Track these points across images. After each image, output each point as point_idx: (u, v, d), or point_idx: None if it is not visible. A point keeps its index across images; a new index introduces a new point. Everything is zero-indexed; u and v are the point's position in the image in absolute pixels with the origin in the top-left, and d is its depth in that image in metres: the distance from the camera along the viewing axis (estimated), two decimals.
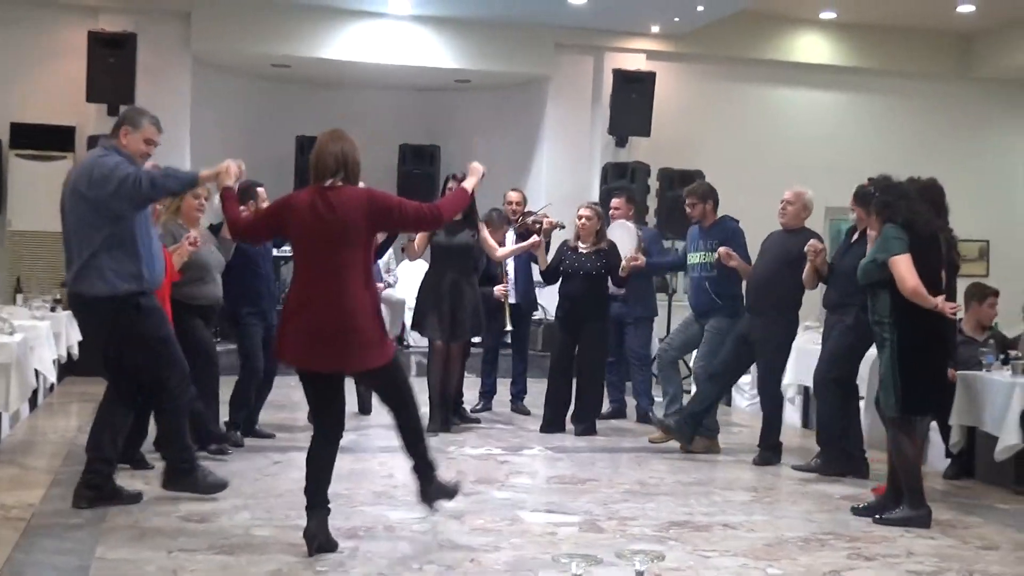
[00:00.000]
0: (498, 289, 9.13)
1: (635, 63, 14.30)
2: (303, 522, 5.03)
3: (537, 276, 9.43)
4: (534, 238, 8.83)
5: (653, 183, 13.84)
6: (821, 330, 8.13)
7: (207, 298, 7.14)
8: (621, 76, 13.99)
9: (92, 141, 12.38)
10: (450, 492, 5.47)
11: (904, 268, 5.95)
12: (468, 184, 5.48)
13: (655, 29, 14.27)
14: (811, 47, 15.13)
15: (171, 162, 6.73)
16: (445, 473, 6.54)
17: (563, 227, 9.29)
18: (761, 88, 15.22)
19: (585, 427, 8.74)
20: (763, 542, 5.57)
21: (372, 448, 7.86)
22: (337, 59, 13.79)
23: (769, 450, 7.87)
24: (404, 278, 11.59)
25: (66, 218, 5.75)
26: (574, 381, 8.88)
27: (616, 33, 14.35)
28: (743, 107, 15.08)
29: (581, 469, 7.43)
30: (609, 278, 8.74)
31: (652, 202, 13.75)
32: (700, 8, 13.09)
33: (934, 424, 7.49)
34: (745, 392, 10.47)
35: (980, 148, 15.31)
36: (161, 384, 5.85)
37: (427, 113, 15.03)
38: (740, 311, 8.13)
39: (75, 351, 10.22)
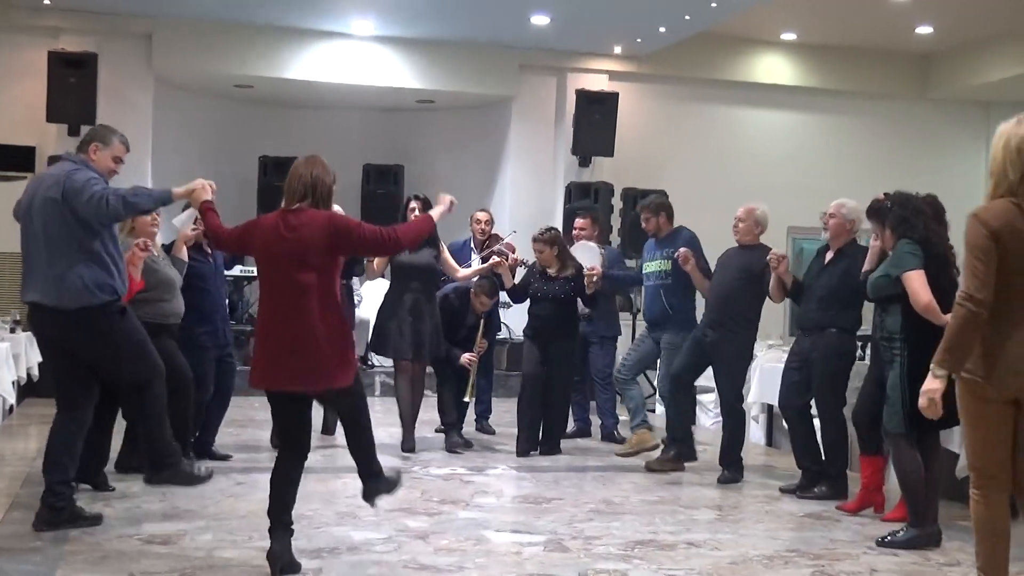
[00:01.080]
0: (464, 358, 8.84)
1: (598, 83, 14.38)
2: (266, 543, 4.99)
3: (503, 296, 9.41)
4: (494, 259, 8.82)
5: (617, 203, 13.89)
6: (786, 349, 8.16)
7: (176, 315, 7.13)
8: (584, 96, 14.06)
9: (52, 161, 12.30)
10: (392, 483, 5.45)
11: (918, 284, 5.89)
12: (435, 213, 5.48)
13: (618, 50, 14.36)
14: (772, 68, 15.28)
15: (132, 183, 6.67)
16: (410, 493, 6.53)
17: (526, 264, 9.18)
18: (723, 108, 15.34)
19: (550, 446, 8.73)
20: (728, 560, 5.57)
21: (336, 468, 7.82)
22: (300, 79, 13.79)
23: (732, 467, 7.89)
24: (368, 298, 11.56)
25: (32, 229, 5.65)
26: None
27: (579, 54, 14.43)
28: (705, 127, 15.19)
29: (546, 488, 7.41)
30: (579, 300, 8.75)
31: (616, 222, 13.80)
32: (662, 29, 13.18)
33: None
34: (710, 411, 10.49)
35: (939, 167, 15.48)
36: (146, 386, 5.79)
37: (391, 133, 15.04)
38: (692, 325, 8.22)
39: (35, 372, 10.12)
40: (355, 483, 7.07)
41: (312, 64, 13.73)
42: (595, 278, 8.59)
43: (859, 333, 7.38)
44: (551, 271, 8.74)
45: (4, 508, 6.22)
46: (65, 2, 12.64)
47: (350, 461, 7.39)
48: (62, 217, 5.54)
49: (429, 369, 8.91)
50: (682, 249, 8.11)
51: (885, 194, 6.53)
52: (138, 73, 13.28)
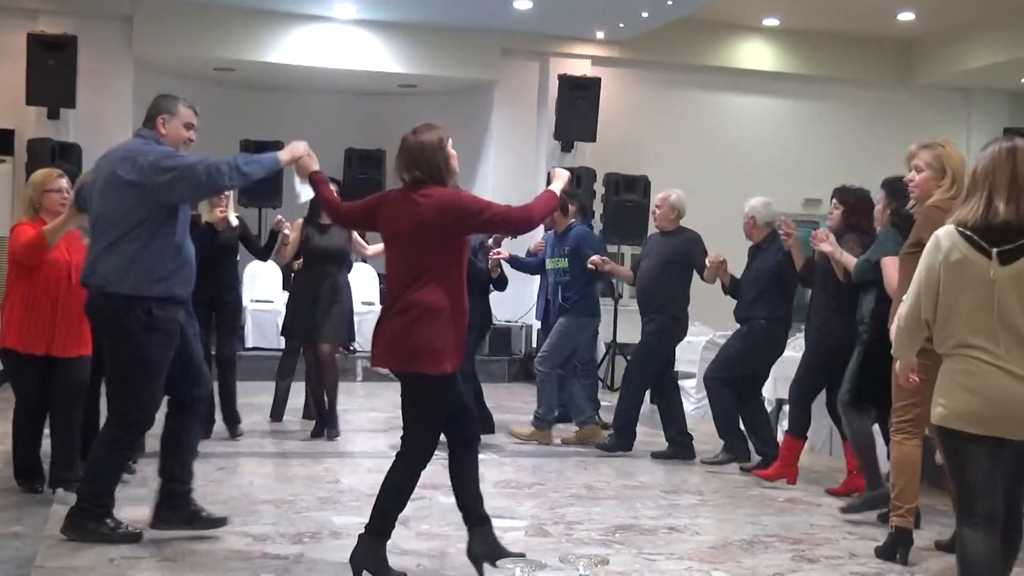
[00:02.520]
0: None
1: (581, 68, 14.36)
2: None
3: None
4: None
5: (599, 188, 13.89)
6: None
7: None
8: (567, 81, 14.04)
9: (32, 144, 12.25)
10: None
11: (892, 269, 5.92)
12: (555, 187, 5.14)
13: (600, 35, 14.33)
14: (755, 53, 15.28)
15: None
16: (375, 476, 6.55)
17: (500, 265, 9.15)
18: (705, 94, 15.34)
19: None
20: (708, 545, 5.59)
21: (317, 453, 7.82)
22: (282, 63, 13.73)
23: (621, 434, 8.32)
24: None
25: (95, 210, 5.24)
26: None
27: (562, 39, 14.40)
28: (688, 112, 15.20)
29: (528, 474, 7.43)
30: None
31: (598, 207, 13.80)
32: (645, 14, 13.17)
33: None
34: (691, 396, 10.51)
35: None
36: (124, 415, 5.22)
37: (373, 118, 14.99)
38: (591, 309, 8.65)
39: None
40: (338, 467, 7.12)
41: (294, 48, 13.67)
42: (498, 255, 8.51)
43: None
44: None
45: None
46: None
47: (331, 447, 7.39)
48: (129, 193, 5.09)
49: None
50: (595, 258, 8.30)
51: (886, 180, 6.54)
52: (118, 56, 13.20)
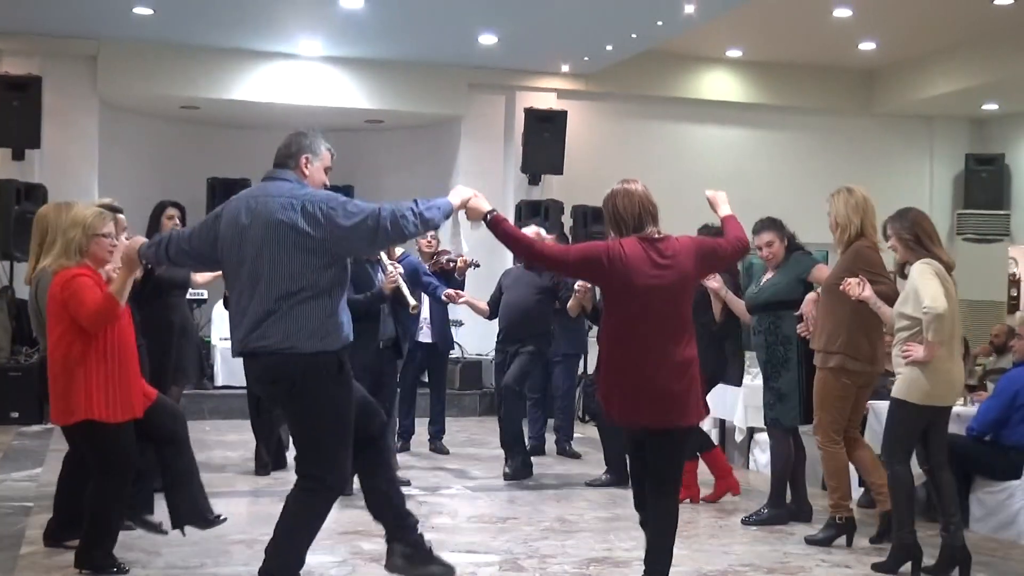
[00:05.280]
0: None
1: (546, 102, 14.43)
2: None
3: (453, 315, 9.41)
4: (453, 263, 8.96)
5: (567, 220, 13.93)
6: None
7: None
8: (533, 115, 14.10)
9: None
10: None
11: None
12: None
13: (565, 68, 14.41)
14: (718, 84, 15.40)
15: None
16: (363, 515, 6.53)
17: (478, 265, 9.27)
18: (671, 125, 15.44)
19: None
20: None
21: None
22: (248, 100, 13.71)
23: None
24: None
25: (246, 263, 4.66)
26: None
27: (527, 72, 14.47)
28: (654, 144, 15.27)
29: (501, 507, 7.41)
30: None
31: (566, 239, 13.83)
32: (609, 47, 13.25)
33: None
34: None
35: (883, 180, 15.58)
36: (320, 479, 4.74)
37: (340, 153, 14.49)
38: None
39: None
40: None
41: (260, 85, 13.66)
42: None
43: None
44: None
45: None
46: (7, 24, 12.49)
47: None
48: (309, 247, 4.60)
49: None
50: (447, 292, 8.54)
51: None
52: (83, 95, 13.14)
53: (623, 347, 4.79)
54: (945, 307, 5.57)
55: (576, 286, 8.32)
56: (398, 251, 8.41)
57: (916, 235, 5.85)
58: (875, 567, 5.80)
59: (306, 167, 4.87)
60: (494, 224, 4.87)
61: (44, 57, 12.86)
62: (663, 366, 4.74)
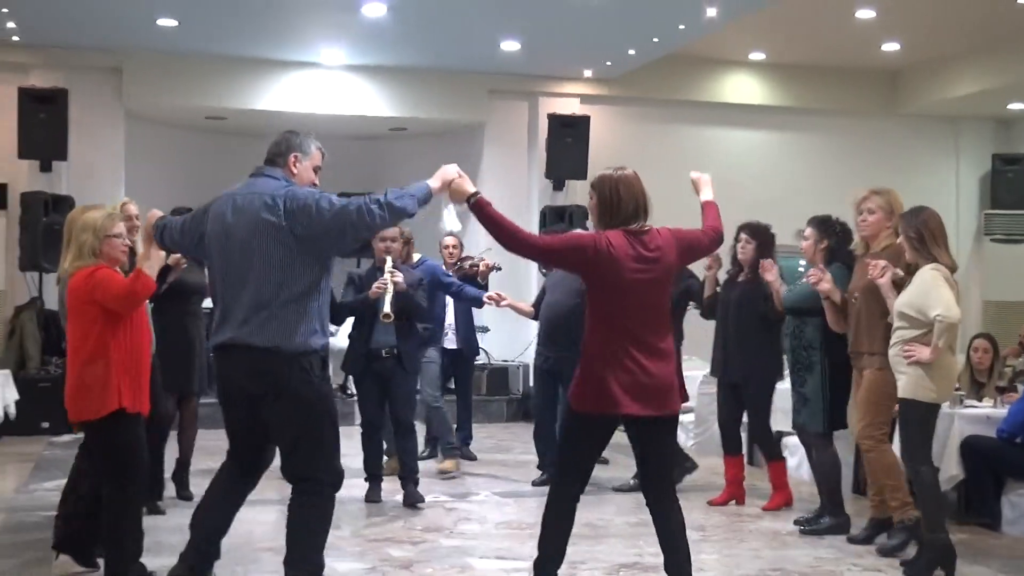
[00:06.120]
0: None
1: (569, 107, 14.43)
2: None
3: (479, 321, 9.41)
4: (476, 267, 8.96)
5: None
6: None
7: None
8: (556, 120, 14.11)
9: (25, 197, 12.27)
10: None
11: None
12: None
13: (588, 73, 14.41)
14: (742, 88, 15.36)
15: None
16: (392, 522, 6.53)
17: (499, 268, 9.28)
18: (694, 128, 15.40)
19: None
20: None
21: None
22: (272, 110, 13.77)
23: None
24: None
25: (232, 261, 4.71)
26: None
27: (550, 78, 14.49)
28: (677, 147, 15.23)
29: (529, 514, 7.40)
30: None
31: None
32: (631, 52, 13.25)
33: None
34: (690, 431, 10.50)
35: (909, 182, 15.51)
36: (321, 480, 4.76)
37: (364, 161, 15.03)
38: None
39: (11, 411, 10.03)
40: (337, 511, 7.09)
41: (283, 94, 13.73)
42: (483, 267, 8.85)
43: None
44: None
45: None
46: (34, 38, 12.59)
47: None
48: (289, 242, 4.62)
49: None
50: (489, 295, 8.57)
51: (837, 218, 7.14)
52: (109, 107, 13.23)
53: (610, 338, 4.74)
54: (959, 317, 5.61)
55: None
56: (415, 256, 8.46)
57: (920, 234, 5.84)
58: (906, 571, 5.76)
59: (295, 165, 4.92)
60: (477, 207, 4.83)
61: (70, 70, 12.95)
62: (652, 356, 4.74)
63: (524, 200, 14.37)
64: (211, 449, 6.96)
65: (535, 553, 5.07)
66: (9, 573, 5.67)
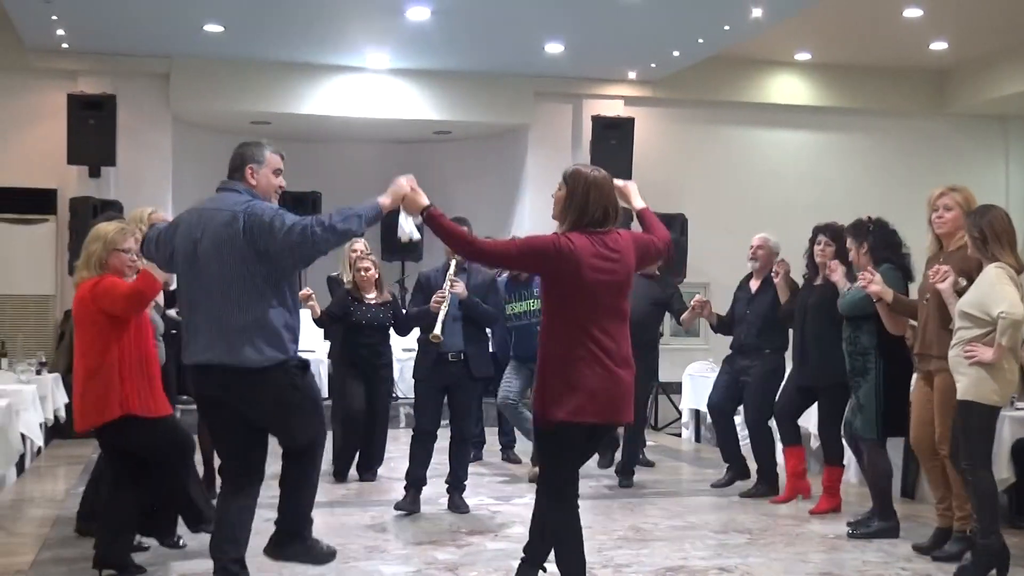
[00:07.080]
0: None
1: (613, 109, 14.40)
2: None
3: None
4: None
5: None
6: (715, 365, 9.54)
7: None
8: (600, 122, 14.08)
9: (74, 203, 12.42)
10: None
11: None
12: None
13: (632, 75, 14.38)
14: (787, 88, 15.27)
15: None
16: (437, 525, 6.53)
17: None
18: (739, 130, 15.34)
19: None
20: None
21: (363, 503, 7.82)
22: (317, 114, 13.86)
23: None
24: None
25: (199, 276, 4.76)
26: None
27: (594, 80, 14.46)
28: (722, 149, 15.19)
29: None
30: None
31: None
32: (676, 53, 13.20)
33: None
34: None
35: (958, 181, 15.15)
36: (316, 443, 4.96)
37: (409, 165, 14.98)
38: None
39: (61, 413, 10.13)
40: (384, 516, 7.12)
41: (328, 98, 13.80)
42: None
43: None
44: (370, 297, 8.63)
45: (34, 551, 6.23)
46: (82, 45, 12.75)
47: (377, 495, 7.42)
48: (251, 259, 4.66)
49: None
50: (698, 297, 8.36)
51: (868, 217, 6.99)
52: (156, 113, 13.38)
53: (573, 344, 4.55)
54: (1023, 313, 5.47)
55: (693, 300, 8.21)
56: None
57: (983, 234, 5.72)
58: (958, 573, 5.68)
59: (252, 177, 4.97)
60: (430, 219, 4.77)
61: (118, 76, 13.10)
62: (617, 361, 4.58)
63: None
64: None
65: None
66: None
